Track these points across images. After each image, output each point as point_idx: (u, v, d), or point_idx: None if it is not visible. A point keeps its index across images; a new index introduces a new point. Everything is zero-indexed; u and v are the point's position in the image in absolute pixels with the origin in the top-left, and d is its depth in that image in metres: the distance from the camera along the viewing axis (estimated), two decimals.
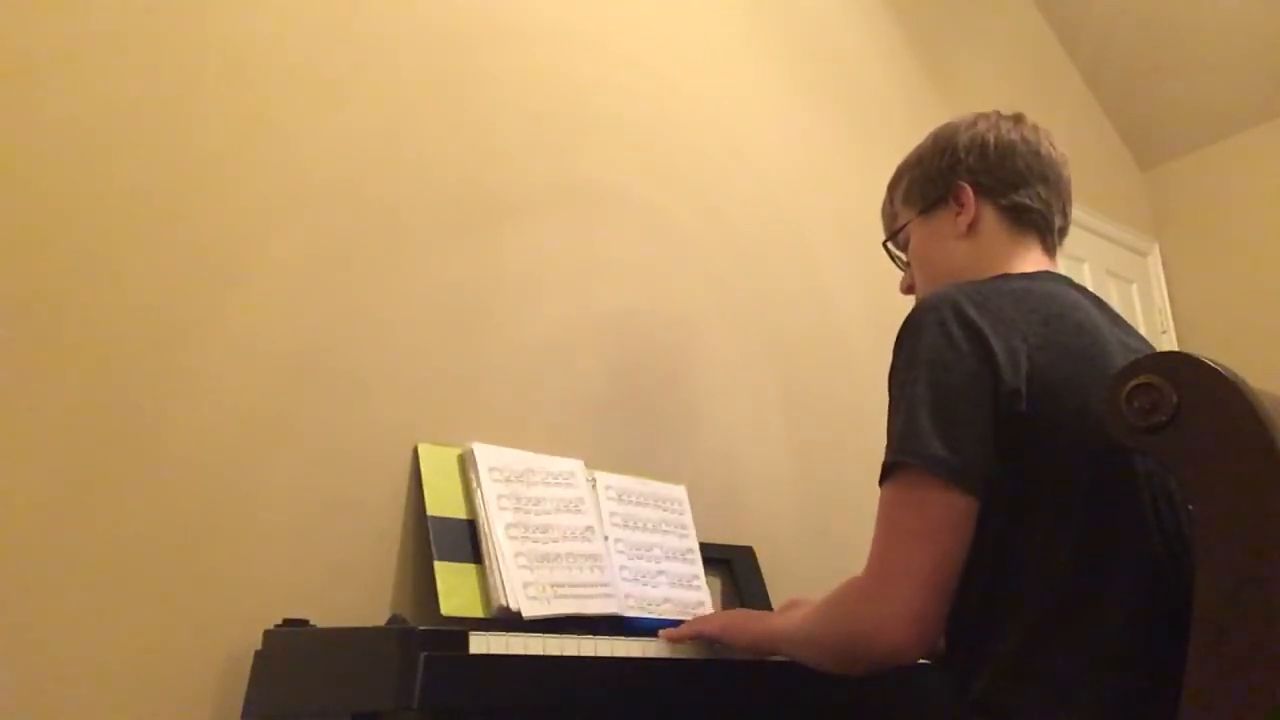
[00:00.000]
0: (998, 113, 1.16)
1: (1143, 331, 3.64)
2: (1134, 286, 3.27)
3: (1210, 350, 0.80)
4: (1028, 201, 1.11)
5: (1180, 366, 0.78)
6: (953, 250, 1.14)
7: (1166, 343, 3.21)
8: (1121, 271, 3.23)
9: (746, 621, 1.10)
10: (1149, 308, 3.29)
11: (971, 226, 1.12)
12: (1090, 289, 1.09)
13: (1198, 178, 3.42)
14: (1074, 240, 2.92)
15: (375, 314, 1.40)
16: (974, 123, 1.16)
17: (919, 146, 1.20)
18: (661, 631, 1.10)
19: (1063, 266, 1.13)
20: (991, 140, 1.13)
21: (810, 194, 2.19)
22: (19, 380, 1.10)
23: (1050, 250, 1.14)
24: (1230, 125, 3.32)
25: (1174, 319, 3.32)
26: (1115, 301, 3.10)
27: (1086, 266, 3.01)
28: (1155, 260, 3.40)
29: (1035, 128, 1.15)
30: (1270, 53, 3.09)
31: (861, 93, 2.45)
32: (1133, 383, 0.80)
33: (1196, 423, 0.76)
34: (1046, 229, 1.13)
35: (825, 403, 2.02)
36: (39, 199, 1.15)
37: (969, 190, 1.12)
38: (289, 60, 1.40)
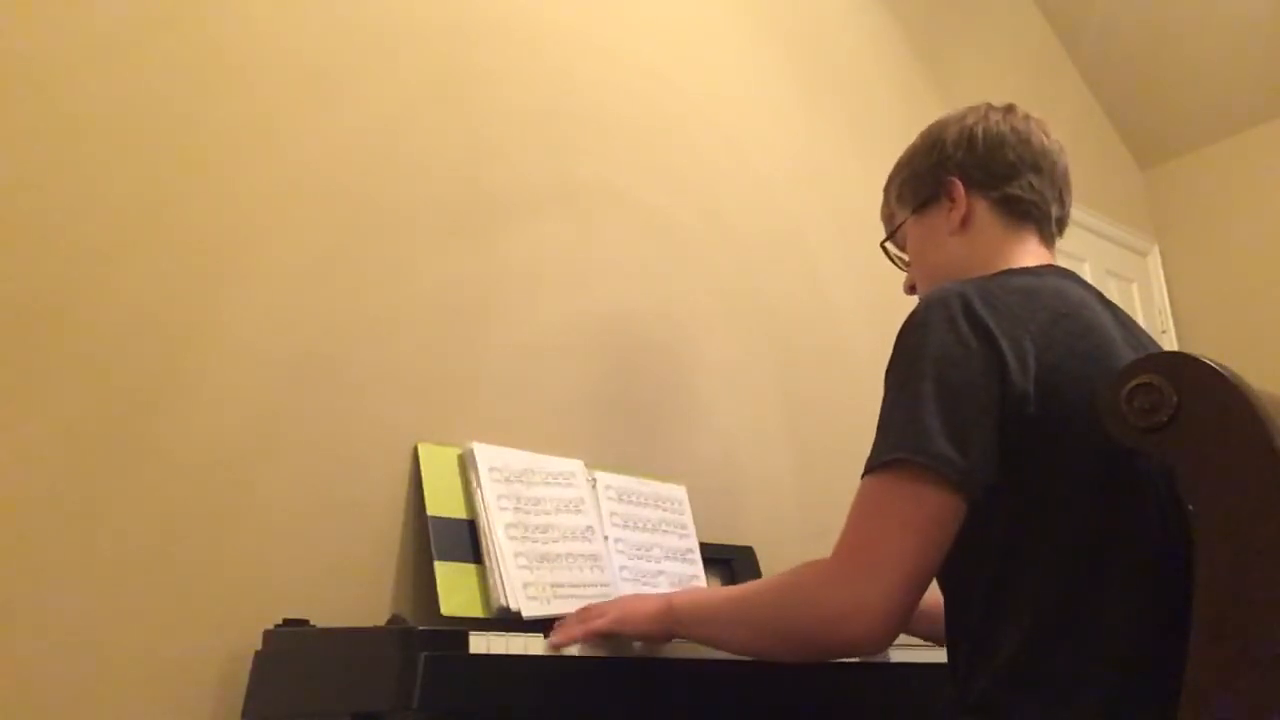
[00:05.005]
0: (988, 105, 1.15)
1: None
2: (1134, 286, 3.27)
3: (1210, 350, 0.80)
4: (1019, 192, 1.10)
5: (1180, 366, 0.78)
6: (948, 246, 1.12)
7: (1166, 343, 3.21)
8: (1121, 271, 3.23)
9: (639, 604, 1.03)
10: (1149, 308, 3.29)
11: (965, 221, 1.11)
12: None
13: (1198, 178, 3.42)
14: (1074, 240, 2.93)
15: (375, 314, 1.40)
16: (963, 116, 1.14)
17: (910, 145, 1.20)
18: (549, 640, 0.99)
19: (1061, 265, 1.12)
20: (980, 132, 1.12)
21: (810, 194, 2.19)
22: (19, 381, 1.10)
23: (1048, 241, 1.13)
24: (1230, 125, 3.32)
25: (1174, 319, 3.32)
26: (1115, 301, 3.10)
27: (1087, 266, 3.01)
28: (1155, 260, 3.40)
29: (1026, 117, 1.13)
30: (1270, 53, 3.09)
31: (861, 92, 2.45)
32: (1133, 383, 0.80)
33: (1196, 423, 0.76)
34: (1043, 219, 1.11)
35: (825, 402, 2.02)
36: (39, 199, 1.15)
37: (959, 185, 1.11)
38: (289, 60, 1.40)
